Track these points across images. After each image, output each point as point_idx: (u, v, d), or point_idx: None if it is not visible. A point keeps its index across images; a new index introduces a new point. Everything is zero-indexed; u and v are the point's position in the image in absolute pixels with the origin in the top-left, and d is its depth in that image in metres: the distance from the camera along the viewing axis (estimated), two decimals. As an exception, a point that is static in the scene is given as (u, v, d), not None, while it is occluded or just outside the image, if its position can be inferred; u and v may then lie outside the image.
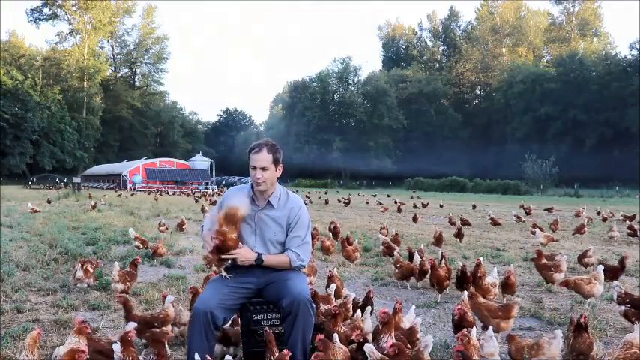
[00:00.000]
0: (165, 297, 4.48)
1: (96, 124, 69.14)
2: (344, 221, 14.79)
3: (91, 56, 69.77)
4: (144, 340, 3.80)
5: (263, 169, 3.38)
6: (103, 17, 70.63)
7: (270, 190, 3.48)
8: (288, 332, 3.22)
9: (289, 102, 79.88)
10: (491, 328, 3.59)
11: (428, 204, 22.76)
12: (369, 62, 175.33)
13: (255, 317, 3.41)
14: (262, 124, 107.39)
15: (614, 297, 4.63)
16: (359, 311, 3.86)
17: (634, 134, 54.05)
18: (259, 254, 3.35)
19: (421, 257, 6.55)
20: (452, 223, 13.47)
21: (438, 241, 9.34)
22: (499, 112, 71.53)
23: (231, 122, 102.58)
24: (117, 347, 3.03)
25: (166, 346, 3.35)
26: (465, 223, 13.10)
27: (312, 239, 7.30)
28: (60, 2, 69.46)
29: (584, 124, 60.37)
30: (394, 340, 3.21)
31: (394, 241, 8.66)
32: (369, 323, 3.80)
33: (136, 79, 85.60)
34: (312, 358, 2.80)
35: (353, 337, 3.21)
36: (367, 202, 26.15)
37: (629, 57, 61.94)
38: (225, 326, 3.57)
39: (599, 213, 17.97)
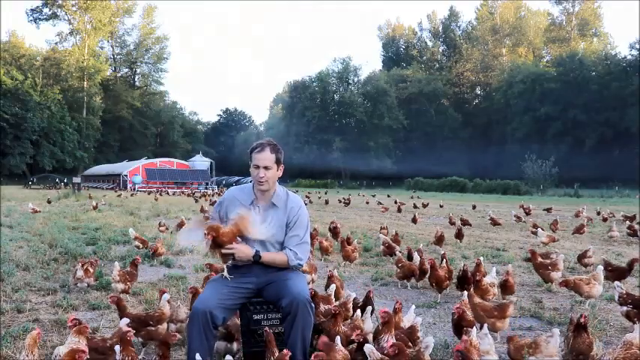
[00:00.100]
0: (162, 294, 4.48)
1: (96, 124, 69.14)
2: (344, 221, 14.79)
3: (91, 56, 69.78)
4: (140, 340, 3.81)
5: (266, 168, 3.39)
6: (103, 17, 70.64)
7: (271, 189, 3.49)
8: (287, 332, 3.22)
9: (289, 102, 79.87)
10: (486, 326, 3.60)
11: (428, 204, 22.76)
12: (369, 62, 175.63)
13: (255, 317, 3.41)
14: (262, 124, 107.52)
15: (616, 298, 4.63)
16: (359, 311, 3.86)
17: (634, 134, 54.05)
18: (257, 251, 3.35)
19: (420, 257, 6.56)
20: (452, 223, 13.46)
21: (439, 241, 9.34)
22: (499, 112, 71.53)
23: (231, 122, 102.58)
24: (118, 348, 3.04)
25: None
26: (465, 223, 13.09)
27: (312, 240, 7.31)
28: (60, 2, 69.48)
29: (584, 124, 60.38)
30: (394, 340, 3.21)
31: (394, 241, 8.66)
32: (369, 323, 3.80)
33: (136, 79, 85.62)
34: (312, 358, 2.80)
35: (353, 337, 3.21)
36: (367, 202, 26.15)
37: (629, 57, 61.99)
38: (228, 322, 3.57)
39: (599, 213, 17.97)
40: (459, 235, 10.15)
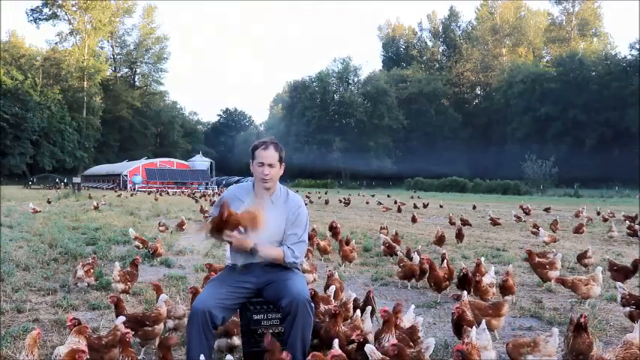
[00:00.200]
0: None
1: (96, 124, 69.15)
2: (344, 221, 14.80)
3: (91, 56, 69.78)
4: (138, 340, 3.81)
5: (270, 165, 3.42)
6: (103, 17, 70.64)
7: (273, 187, 3.50)
8: (287, 332, 3.22)
9: (289, 102, 79.87)
10: (484, 321, 3.63)
11: (428, 204, 22.77)
12: (369, 62, 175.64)
13: (255, 317, 3.41)
14: (262, 124, 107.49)
15: (618, 299, 4.62)
16: (358, 311, 3.85)
17: (634, 134, 54.04)
18: (255, 244, 3.32)
19: (420, 257, 6.56)
20: (452, 223, 13.46)
21: (440, 241, 9.33)
22: (499, 112, 71.52)
23: (231, 122, 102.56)
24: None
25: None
26: (465, 223, 13.10)
27: (310, 240, 7.31)
28: (60, 2, 69.48)
29: (584, 124, 60.37)
30: (395, 340, 3.21)
31: (394, 242, 8.66)
32: (368, 323, 3.80)
33: (136, 79, 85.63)
34: (310, 357, 2.80)
35: (353, 337, 3.20)
36: (367, 202, 26.16)
37: (629, 57, 61.98)
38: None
39: (599, 213, 17.97)
40: (459, 236, 10.12)
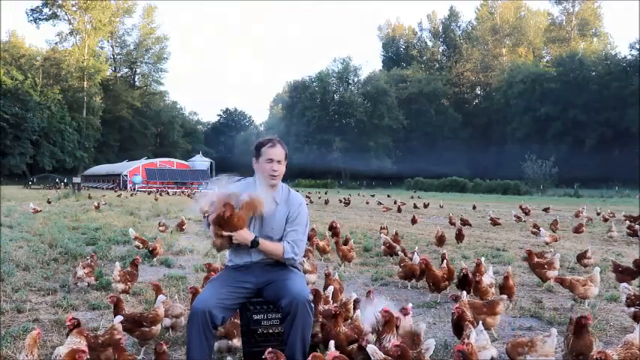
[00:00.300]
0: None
1: (96, 124, 69.16)
2: (344, 221, 14.80)
3: (91, 56, 69.79)
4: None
5: (279, 162, 3.45)
6: (103, 17, 70.66)
7: (277, 185, 3.52)
8: (287, 332, 3.23)
9: (289, 102, 79.88)
10: (481, 322, 3.64)
11: (429, 204, 22.77)
12: (369, 62, 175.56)
13: (255, 317, 3.41)
14: (262, 124, 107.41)
15: (623, 299, 4.62)
16: (359, 311, 3.84)
17: (634, 134, 54.05)
18: (256, 236, 3.33)
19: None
20: (452, 224, 13.46)
21: (440, 242, 9.30)
22: (499, 112, 71.52)
23: (231, 122, 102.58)
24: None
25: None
26: (465, 223, 13.09)
27: (309, 240, 7.30)
28: (60, 2, 69.50)
29: (584, 124, 60.38)
30: (396, 340, 3.22)
31: (394, 242, 8.65)
32: (368, 324, 3.79)
33: (136, 79, 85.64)
34: (310, 358, 2.81)
35: (362, 343, 3.21)
36: (367, 202, 26.16)
37: (629, 57, 61.98)
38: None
39: (598, 213, 17.97)
40: (459, 236, 10.09)
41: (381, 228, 11.00)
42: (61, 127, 62.27)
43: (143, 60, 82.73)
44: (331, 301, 4.36)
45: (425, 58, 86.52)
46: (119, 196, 29.21)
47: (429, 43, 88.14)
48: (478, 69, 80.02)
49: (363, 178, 66.76)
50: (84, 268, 5.76)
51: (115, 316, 3.76)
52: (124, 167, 53.37)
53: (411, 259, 6.74)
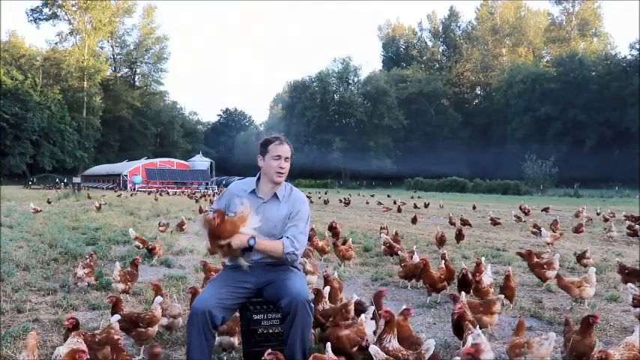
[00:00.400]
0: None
1: (96, 124, 69.14)
2: (344, 221, 14.80)
3: (91, 56, 69.77)
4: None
5: (286, 159, 3.47)
6: (103, 17, 70.63)
7: (281, 183, 3.54)
8: (287, 332, 3.22)
9: (289, 102, 79.87)
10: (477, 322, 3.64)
11: (429, 204, 22.76)
12: (369, 62, 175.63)
13: (255, 317, 3.41)
14: (262, 124, 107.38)
15: (630, 300, 4.61)
16: (363, 316, 3.78)
17: (634, 134, 54.05)
18: (252, 237, 3.23)
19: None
20: (452, 224, 13.46)
21: (440, 242, 9.27)
22: (499, 112, 71.52)
23: (231, 122, 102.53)
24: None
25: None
26: (465, 223, 13.09)
27: (309, 240, 7.29)
28: (60, 2, 69.47)
29: (584, 124, 60.38)
30: (396, 341, 3.22)
31: (394, 242, 8.65)
32: (369, 326, 3.78)
33: (136, 79, 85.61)
34: (311, 358, 2.80)
35: (363, 343, 3.21)
36: (367, 202, 26.16)
37: (629, 57, 61.97)
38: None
39: (598, 213, 17.97)
40: (459, 237, 10.08)
41: (381, 228, 10.99)
42: (61, 127, 62.26)
43: (143, 60, 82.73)
44: (328, 301, 4.34)
45: (425, 58, 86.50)
46: (119, 196, 29.21)
47: (429, 43, 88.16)
48: (478, 69, 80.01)
49: (363, 178, 66.76)
50: (84, 268, 5.75)
51: (112, 314, 3.76)
52: (124, 167, 53.37)
53: (411, 258, 6.74)
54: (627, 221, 13.95)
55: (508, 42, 78.49)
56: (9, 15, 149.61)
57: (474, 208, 21.69)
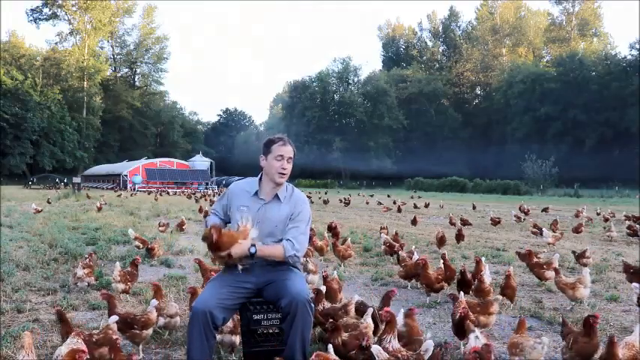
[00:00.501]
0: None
1: (96, 124, 69.16)
2: (344, 221, 14.80)
3: (91, 56, 69.79)
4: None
5: (289, 160, 3.47)
6: (103, 17, 70.65)
7: (283, 183, 3.54)
8: (287, 332, 3.23)
9: (289, 102, 79.88)
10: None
11: (429, 204, 22.76)
12: (369, 62, 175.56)
13: (255, 317, 3.41)
14: (262, 124, 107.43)
15: (635, 299, 4.61)
16: (369, 318, 3.76)
17: (634, 134, 54.06)
18: (253, 245, 3.23)
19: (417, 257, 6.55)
20: (452, 224, 13.45)
21: (441, 243, 9.26)
22: (499, 112, 71.54)
23: (231, 122, 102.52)
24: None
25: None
26: (465, 223, 13.09)
27: (309, 240, 7.28)
28: (60, 2, 69.49)
29: (584, 124, 60.39)
30: (397, 341, 3.22)
31: (394, 242, 8.64)
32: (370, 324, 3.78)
33: (136, 79, 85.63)
34: (314, 357, 2.80)
35: (364, 344, 3.21)
36: (367, 203, 26.16)
37: (629, 57, 61.99)
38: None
39: (598, 213, 17.96)
40: (459, 237, 10.07)
41: (381, 228, 10.98)
42: (61, 127, 62.27)
43: (143, 60, 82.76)
44: (325, 301, 4.33)
45: (425, 58, 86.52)
46: (119, 196, 29.21)
47: (429, 43, 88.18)
48: (478, 69, 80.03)
49: (363, 178, 66.75)
50: (84, 268, 5.75)
51: (109, 315, 3.76)
52: (124, 167, 53.38)
53: (411, 258, 6.74)
54: (627, 221, 13.95)
55: (508, 42, 78.52)
56: (9, 15, 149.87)
57: (474, 208, 21.68)
